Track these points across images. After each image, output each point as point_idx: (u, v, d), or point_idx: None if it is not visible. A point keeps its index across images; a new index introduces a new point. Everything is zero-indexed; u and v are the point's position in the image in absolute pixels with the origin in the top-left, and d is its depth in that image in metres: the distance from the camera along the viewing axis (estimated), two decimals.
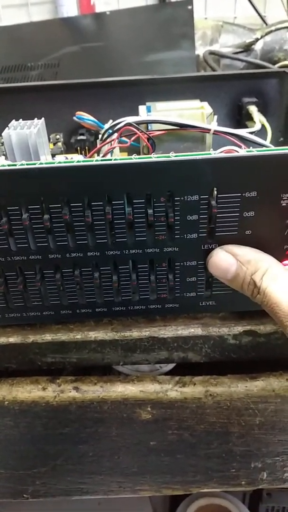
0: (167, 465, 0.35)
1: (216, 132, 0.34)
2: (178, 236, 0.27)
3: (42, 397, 0.32)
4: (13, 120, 0.35)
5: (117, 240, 0.27)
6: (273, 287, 0.25)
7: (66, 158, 0.39)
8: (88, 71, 0.62)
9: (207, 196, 0.25)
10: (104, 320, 0.31)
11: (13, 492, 0.36)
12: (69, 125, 0.43)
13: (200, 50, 0.64)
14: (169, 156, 0.25)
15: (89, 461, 0.35)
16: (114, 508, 0.61)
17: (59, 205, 0.25)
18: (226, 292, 0.29)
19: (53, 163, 0.25)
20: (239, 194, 0.25)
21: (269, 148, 0.33)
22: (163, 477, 0.35)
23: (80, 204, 0.25)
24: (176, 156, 0.25)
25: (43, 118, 0.35)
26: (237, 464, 0.34)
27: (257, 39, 0.62)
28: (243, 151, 0.26)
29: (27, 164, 0.25)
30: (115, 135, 0.35)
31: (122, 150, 0.39)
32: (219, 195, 0.25)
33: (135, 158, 0.25)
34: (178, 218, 0.26)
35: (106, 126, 0.38)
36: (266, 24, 0.73)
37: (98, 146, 0.37)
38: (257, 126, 0.39)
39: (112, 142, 0.35)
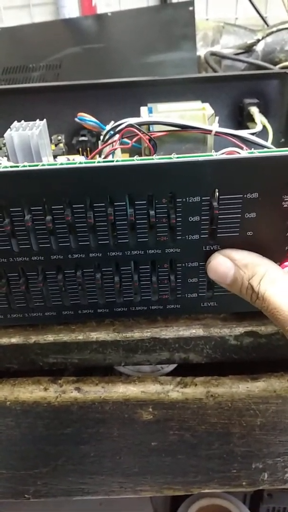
0: (168, 466, 0.35)
1: (217, 133, 0.34)
2: (180, 237, 0.27)
3: (44, 398, 0.32)
4: (15, 121, 0.35)
5: (119, 241, 0.27)
6: (271, 291, 0.24)
7: (68, 159, 0.40)
8: (89, 72, 0.62)
9: (208, 198, 0.25)
10: (106, 320, 0.32)
11: (14, 492, 0.36)
12: (70, 126, 0.43)
13: (202, 51, 0.64)
14: (171, 158, 0.25)
15: (90, 461, 0.35)
16: (115, 508, 0.61)
17: (62, 206, 0.25)
18: (228, 293, 0.29)
19: (55, 164, 0.25)
20: (241, 196, 0.25)
21: (270, 149, 0.33)
22: (164, 477, 0.35)
23: (82, 205, 0.25)
24: (178, 157, 0.25)
25: (45, 120, 0.36)
26: (238, 465, 0.34)
27: (258, 40, 0.63)
28: (244, 153, 0.26)
29: (29, 166, 0.25)
30: (117, 136, 0.35)
31: (123, 151, 0.39)
32: (220, 196, 0.25)
33: (137, 160, 0.25)
34: (180, 219, 0.26)
35: (108, 127, 0.38)
36: (267, 25, 0.73)
37: (100, 147, 0.37)
38: (258, 127, 0.39)
39: (114, 143, 0.35)
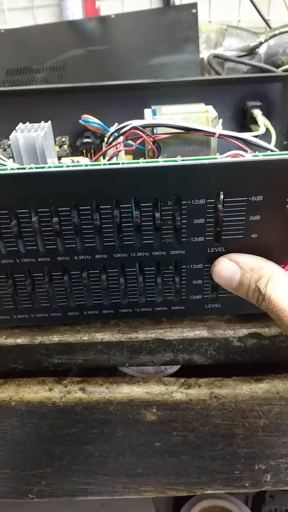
0: (172, 466, 0.35)
1: (221, 136, 0.34)
2: (185, 239, 0.27)
3: (49, 398, 0.32)
4: (20, 123, 0.35)
5: (124, 243, 0.27)
6: (277, 293, 0.25)
7: (72, 161, 0.40)
8: (93, 73, 0.62)
9: (213, 200, 0.26)
10: (111, 322, 0.32)
11: (18, 492, 0.37)
12: (74, 127, 0.43)
13: (204, 53, 0.64)
14: (176, 161, 0.25)
15: (94, 461, 0.35)
16: (117, 509, 0.62)
17: (68, 208, 0.26)
18: (231, 295, 0.29)
19: (62, 166, 0.25)
20: (245, 198, 0.25)
21: (274, 152, 0.33)
22: (167, 478, 0.35)
23: (89, 207, 0.26)
24: (183, 160, 0.25)
25: (49, 121, 0.36)
26: (241, 466, 0.34)
27: (261, 43, 0.63)
28: (249, 156, 0.26)
29: (36, 168, 0.25)
30: (121, 138, 0.35)
31: (127, 153, 0.39)
32: (225, 199, 0.26)
33: (142, 162, 0.25)
34: (185, 221, 0.26)
35: (112, 129, 0.38)
36: (270, 28, 0.73)
37: (104, 149, 0.37)
38: (262, 130, 0.39)
39: (118, 145, 0.35)
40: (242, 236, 0.27)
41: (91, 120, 0.40)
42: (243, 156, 0.26)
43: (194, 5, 0.67)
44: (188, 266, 0.28)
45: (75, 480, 0.36)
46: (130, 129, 0.34)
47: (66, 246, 0.27)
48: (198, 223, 0.26)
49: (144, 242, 0.27)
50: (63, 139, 0.43)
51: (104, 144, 0.39)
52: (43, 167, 0.25)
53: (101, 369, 0.35)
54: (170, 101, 0.41)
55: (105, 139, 0.39)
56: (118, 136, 0.36)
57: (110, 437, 0.34)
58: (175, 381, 0.32)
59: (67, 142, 0.43)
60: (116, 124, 0.38)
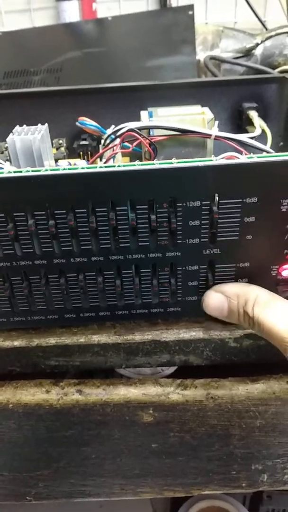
0: (169, 467, 0.35)
1: (217, 138, 0.34)
2: (180, 241, 0.27)
3: (46, 400, 0.32)
4: (17, 126, 0.35)
5: (120, 245, 0.27)
6: (264, 314, 0.25)
7: (69, 163, 0.40)
8: (90, 76, 0.62)
9: (208, 202, 0.26)
10: (107, 323, 0.32)
11: (16, 494, 0.37)
12: (71, 130, 0.43)
13: (201, 55, 0.65)
14: (171, 163, 0.25)
15: (91, 463, 0.35)
16: (115, 510, 0.62)
17: (64, 211, 0.26)
18: None
19: (58, 169, 0.25)
20: (240, 200, 0.26)
21: (269, 154, 0.34)
22: (164, 479, 0.36)
23: (85, 210, 0.26)
24: (178, 162, 0.25)
25: (46, 124, 0.36)
26: (238, 466, 0.35)
27: (257, 44, 0.63)
28: (243, 157, 0.26)
29: (32, 171, 0.25)
30: (117, 140, 0.35)
31: (124, 155, 0.39)
32: (220, 201, 0.26)
33: (138, 165, 0.25)
34: (180, 223, 0.26)
35: (109, 131, 0.38)
36: (266, 29, 0.73)
37: (101, 151, 0.37)
38: (258, 131, 0.39)
39: (115, 148, 0.36)
40: (237, 238, 0.27)
41: (88, 123, 0.41)
42: (238, 158, 0.27)
43: (191, 7, 0.67)
44: (183, 268, 0.28)
45: (72, 482, 0.36)
46: (126, 131, 0.34)
47: (63, 248, 0.27)
48: (194, 225, 0.26)
49: (140, 244, 0.27)
50: (60, 141, 0.43)
51: (101, 146, 0.40)
52: (40, 170, 0.25)
53: (98, 371, 0.35)
54: (167, 103, 0.41)
55: (102, 141, 0.39)
56: (115, 138, 0.36)
57: (107, 439, 0.34)
58: (171, 382, 0.33)
59: (64, 144, 0.43)
60: (113, 126, 0.38)
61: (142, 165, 0.25)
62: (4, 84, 0.64)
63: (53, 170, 0.25)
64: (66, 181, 0.25)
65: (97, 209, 0.26)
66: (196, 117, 0.37)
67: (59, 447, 0.34)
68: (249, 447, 0.34)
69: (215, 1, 0.84)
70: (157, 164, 0.25)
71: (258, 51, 0.63)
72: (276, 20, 0.76)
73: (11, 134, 0.34)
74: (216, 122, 0.37)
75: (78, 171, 0.25)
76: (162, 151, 0.36)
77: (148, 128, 0.35)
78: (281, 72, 0.57)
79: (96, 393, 0.32)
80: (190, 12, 0.66)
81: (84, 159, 0.43)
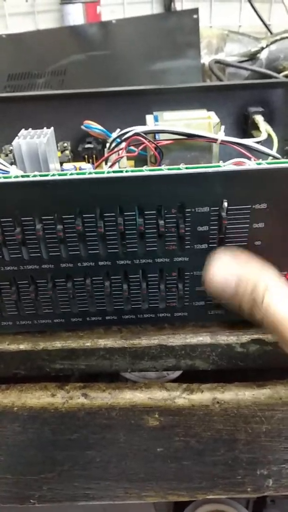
0: (174, 472, 0.35)
1: (223, 142, 0.35)
2: (188, 246, 0.27)
3: (51, 403, 0.32)
4: (23, 129, 0.35)
5: (128, 250, 0.27)
6: (274, 303, 0.23)
7: (74, 167, 0.40)
8: (94, 79, 0.62)
9: (217, 208, 0.26)
10: (113, 327, 0.32)
11: (20, 497, 0.37)
12: (77, 133, 0.43)
13: (206, 58, 0.65)
14: (180, 168, 0.25)
15: (96, 466, 0.35)
16: None
17: (72, 216, 0.26)
18: None
19: (66, 174, 0.25)
20: (249, 206, 0.26)
21: (277, 159, 0.34)
22: (169, 483, 0.35)
23: (93, 215, 0.26)
24: (187, 168, 0.25)
25: (52, 128, 0.36)
26: (243, 471, 0.35)
27: (262, 48, 0.63)
28: (252, 163, 0.26)
29: (40, 176, 0.25)
30: (123, 144, 0.35)
31: (129, 158, 0.39)
32: (229, 207, 0.26)
33: (146, 170, 0.25)
34: (189, 229, 0.26)
35: (114, 135, 0.38)
36: (271, 33, 0.73)
37: (106, 154, 0.37)
38: (263, 136, 0.39)
39: (120, 151, 0.36)
40: (245, 244, 0.27)
41: (93, 126, 0.41)
42: (247, 163, 0.27)
43: (195, 11, 0.67)
44: (191, 273, 0.28)
45: (76, 485, 0.36)
46: (132, 135, 0.35)
47: (70, 253, 0.27)
48: (202, 230, 0.26)
49: (147, 249, 0.27)
50: (65, 144, 0.43)
51: (106, 150, 0.40)
52: (47, 175, 0.25)
53: (103, 375, 0.35)
54: (172, 107, 0.41)
55: (107, 145, 0.39)
56: (121, 142, 0.36)
57: (112, 443, 0.34)
58: (177, 387, 0.33)
59: (69, 148, 0.43)
60: (118, 129, 0.38)
61: (150, 170, 0.25)
62: (9, 86, 0.64)
63: (61, 175, 0.25)
64: (74, 186, 0.25)
65: (105, 214, 0.26)
66: (202, 122, 0.37)
67: (63, 451, 0.34)
68: (255, 452, 0.33)
69: (220, 5, 0.84)
70: (165, 169, 0.25)
71: (263, 55, 0.63)
72: (281, 24, 0.76)
73: (16, 137, 0.34)
74: (222, 127, 0.37)
75: (86, 176, 0.25)
76: (168, 155, 0.36)
77: (154, 132, 0.36)
78: (286, 76, 0.57)
79: (102, 397, 0.32)
80: (195, 16, 0.67)
81: (89, 162, 0.43)
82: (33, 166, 0.34)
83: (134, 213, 0.26)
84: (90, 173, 0.25)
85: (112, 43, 0.70)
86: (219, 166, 0.25)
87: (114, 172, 0.25)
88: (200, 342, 0.31)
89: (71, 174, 0.25)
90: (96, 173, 0.25)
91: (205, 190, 0.25)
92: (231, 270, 0.25)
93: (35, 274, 0.28)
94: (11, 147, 0.39)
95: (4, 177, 0.25)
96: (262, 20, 0.75)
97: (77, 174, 0.25)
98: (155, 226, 0.26)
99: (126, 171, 0.25)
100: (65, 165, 0.41)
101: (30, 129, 0.35)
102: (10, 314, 0.30)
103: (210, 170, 0.24)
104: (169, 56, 0.62)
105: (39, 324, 0.30)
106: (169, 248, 0.27)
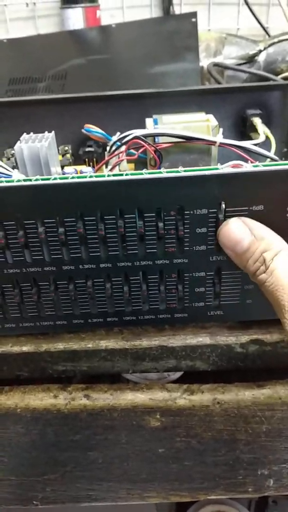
0: (175, 472, 0.35)
1: (221, 145, 0.35)
2: (188, 248, 0.27)
3: (54, 405, 0.32)
4: (24, 134, 0.36)
5: (128, 252, 0.27)
6: (281, 267, 0.24)
7: (75, 170, 0.40)
8: (94, 82, 0.63)
9: (215, 210, 0.26)
10: (114, 329, 0.32)
11: (23, 498, 0.37)
12: (77, 137, 0.44)
13: (204, 61, 0.65)
14: (178, 171, 0.26)
15: (98, 467, 0.35)
16: None
17: (74, 219, 0.26)
18: (234, 302, 0.30)
19: (67, 178, 0.26)
20: (246, 208, 0.26)
21: (275, 161, 0.34)
22: (171, 484, 0.36)
23: (94, 218, 0.26)
24: (185, 171, 0.25)
25: (53, 132, 0.36)
26: (244, 471, 0.35)
27: (260, 51, 0.64)
28: (249, 166, 0.27)
29: (42, 180, 0.26)
30: (123, 147, 0.36)
31: (129, 161, 0.40)
32: (227, 209, 0.26)
33: (146, 173, 0.25)
34: (188, 231, 0.27)
35: (114, 138, 0.38)
36: (269, 36, 0.74)
37: (107, 158, 0.38)
38: (261, 138, 0.39)
39: (120, 155, 0.36)
40: None
41: (94, 130, 0.41)
42: (244, 166, 0.27)
43: (194, 14, 0.67)
44: (190, 274, 0.29)
45: (79, 487, 0.36)
46: (132, 138, 0.35)
47: (72, 255, 0.27)
48: (200, 232, 0.27)
49: (147, 251, 0.27)
50: (66, 148, 0.44)
51: (106, 153, 0.40)
52: (49, 179, 0.26)
53: (105, 376, 0.36)
54: (171, 110, 0.42)
55: (107, 148, 0.39)
56: (121, 145, 0.37)
57: (114, 443, 0.34)
58: (178, 388, 0.33)
59: (70, 151, 0.44)
60: (118, 133, 0.39)
61: (150, 173, 0.25)
62: (10, 90, 0.64)
63: (63, 178, 0.26)
64: (75, 189, 0.25)
65: (105, 217, 0.26)
66: (201, 124, 0.37)
67: (66, 452, 0.34)
68: (255, 452, 0.34)
69: (218, 9, 0.85)
70: (164, 172, 0.25)
71: (261, 58, 0.63)
72: (279, 27, 0.77)
73: (18, 142, 0.35)
74: (221, 130, 0.38)
75: (87, 179, 0.25)
76: (167, 158, 0.36)
77: (154, 135, 0.36)
78: (284, 78, 0.58)
79: (104, 398, 0.32)
80: (193, 19, 0.67)
81: (89, 165, 0.44)
82: (34, 169, 0.35)
83: (134, 215, 0.26)
84: (91, 176, 0.26)
85: (111, 47, 0.70)
86: (217, 168, 0.26)
87: (114, 175, 0.26)
88: (200, 343, 0.31)
89: (72, 177, 0.26)
90: (96, 176, 0.26)
91: (203, 192, 0.25)
92: (250, 227, 0.26)
93: (38, 277, 0.28)
94: (13, 151, 0.40)
95: (7, 181, 0.26)
96: (260, 23, 0.76)
97: (78, 177, 0.26)
98: (154, 229, 0.27)
99: (126, 175, 0.26)
100: (66, 169, 0.42)
101: (31, 133, 0.36)
102: (13, 316, 0.30)
103: (207, 172, 0.25)
104: (168, 60, 0.62)
105: (41, 326, 0.31)
106: (169, 250, 0.27)
